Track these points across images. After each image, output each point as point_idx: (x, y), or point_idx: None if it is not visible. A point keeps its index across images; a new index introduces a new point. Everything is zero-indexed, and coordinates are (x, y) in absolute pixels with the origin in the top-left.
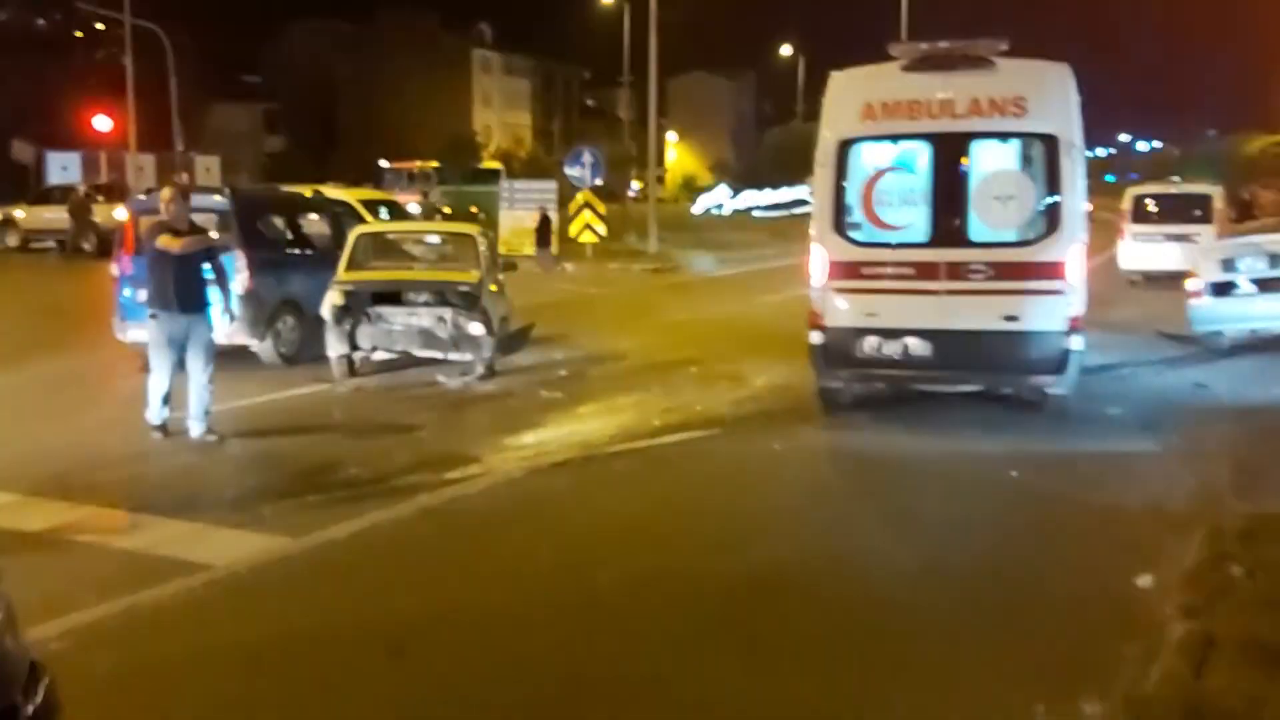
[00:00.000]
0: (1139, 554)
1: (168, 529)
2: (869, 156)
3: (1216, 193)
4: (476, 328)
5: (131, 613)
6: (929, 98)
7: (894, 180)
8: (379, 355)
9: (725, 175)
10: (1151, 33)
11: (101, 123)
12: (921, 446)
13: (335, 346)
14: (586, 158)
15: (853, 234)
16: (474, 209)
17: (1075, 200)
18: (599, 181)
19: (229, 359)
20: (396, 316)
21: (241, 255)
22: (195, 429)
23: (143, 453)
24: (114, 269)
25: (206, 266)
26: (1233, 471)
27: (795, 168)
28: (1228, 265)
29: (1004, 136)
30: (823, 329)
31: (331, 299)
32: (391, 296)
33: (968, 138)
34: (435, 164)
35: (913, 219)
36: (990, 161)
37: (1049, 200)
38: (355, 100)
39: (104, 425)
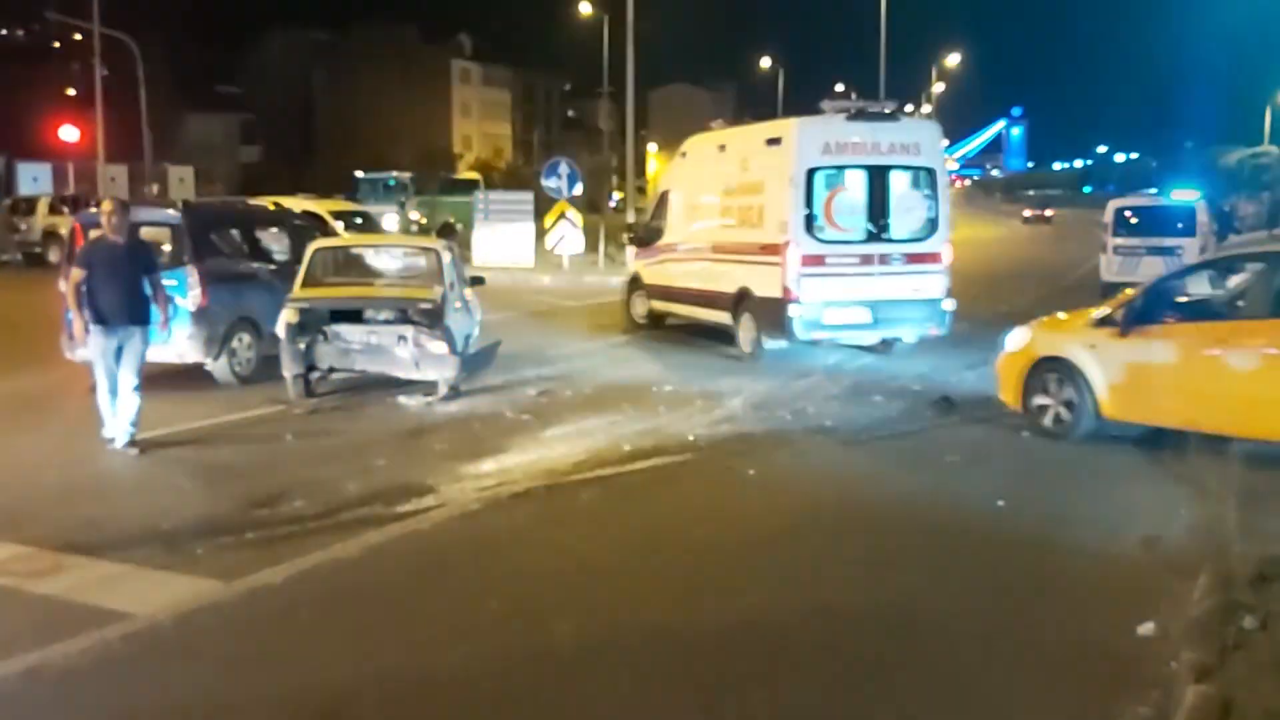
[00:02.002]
0: (1139, 598)
1: (92, 571)
2: (827, 179)
3: (1199, 205)
4: (439, 346)
5: (35, 674)
6: (863, 140)
7: (843, 196)
8: (338, 375)
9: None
10: (1132, 44)
11: (68, 133)
12: (904, 474)
13: (290, 366)
14: (563, 169)
15: (818, 234)
16: (451, 219)
17: (944, 211)
18: (576, 193)
19: (181, 378)
20: (355, 335)
21: (194, 271)
22: (121, 438)
23: (76, 483)
24: (61, 285)
25: (147, 282)
26: (1237, 505)
27: None
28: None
29: (907, 168)
30: (797, 302)
31: (286, 317)
32: (351, 314)
33: (888, 169)
34: (409, 174)
35: (855, 224)
36: (900, 185)
37: (931, 211)
38: (333, 111)
39: (40, 452)
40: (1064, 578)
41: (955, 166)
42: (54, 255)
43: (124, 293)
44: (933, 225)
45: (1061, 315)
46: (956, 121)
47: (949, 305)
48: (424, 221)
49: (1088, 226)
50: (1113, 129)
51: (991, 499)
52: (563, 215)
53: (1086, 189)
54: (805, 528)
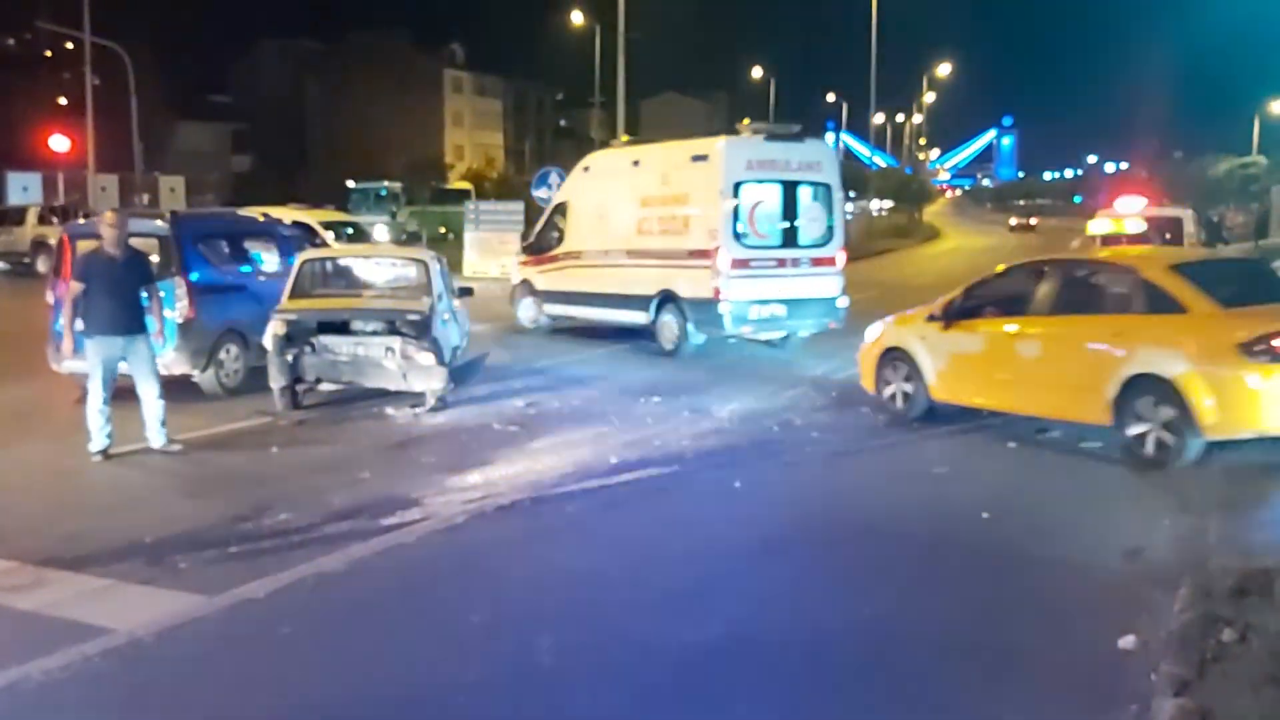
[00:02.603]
0: (1120, 611)
1: (73, 585)
2: (750, 192)
3: (1187, 215)
4: (426, 358)
5: (13, 690)
6: (777, 158)
7: (763, 208)
8: (325, 386)
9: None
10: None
11: (58, 142)
12: (890, 486)
13: (277, 378)
14: (554, 178)
15: (743, 241)
16: (443, 229)
17: (840, 220)
18: None
19: (168, 390)
20: (342, 347)
21: (182, 282)
22: (157, 441)
23: (59, 496)
24: (49, 296)
25: (144, 293)
26: (1218, 518)
27: None
28: None
29: (811, 183)
30: (727, 300)
31: (273, 328)
32: (338, 325)
33: (797, 184)
34: (400, 184)
35: (772, 231)
36: (805, 198)
37: (829, 221)
38: (325, 120)
39: (23, 465)
40: (1047, 590)
41: (947, 176)
42: (43, 265)
43: (122, 305)
44: (831, 233)
45: (909, 312)
46: (947, 131)
47: (843, 303)
48: (414, 230)
49: (1078, 236)
50: (1103, 139)
51: (977, 511)
52: None
53: (1077, 199)
54: (791, 540)
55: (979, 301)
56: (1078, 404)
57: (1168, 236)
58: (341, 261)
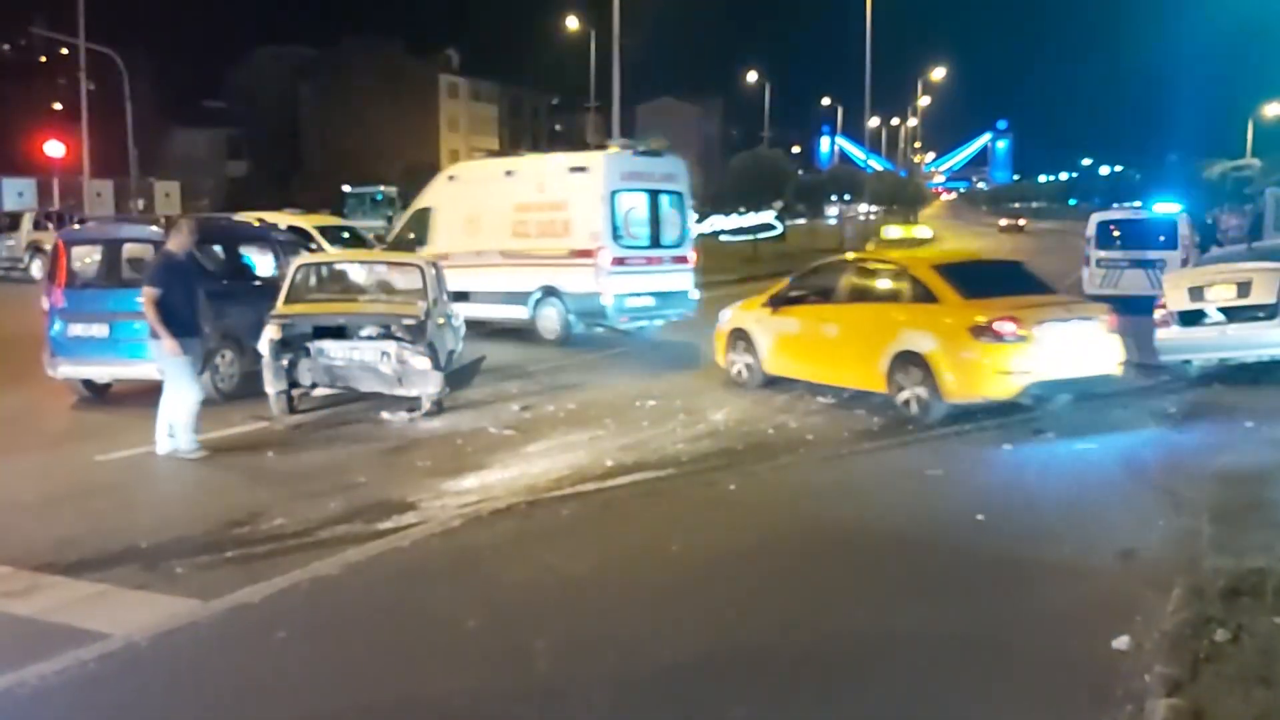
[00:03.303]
0: (1114, 611)
1: (69, 590)
2: (624, 200)
3: (1182, 218)
4: (422, 362)
5: (9, 695)
6: (644, 170)
7: (634, 213)
8: (320, 391)
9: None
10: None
11: (53, 148)
12: (884, 488)
13: (273, 383)
14: None
15: (620, 242)
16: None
17: (689, 225)
18: None
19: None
20: (338, 351)
21: None
22: (165, 445)
23: (55, 501)
24: (44, 301)
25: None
26: (1210, 519)
27: (761, 193)
28: (1195, 294)
29: (670, 193)
30: (609, 294)
31: (269, 333)
32: (333, 330)
33: (659, 192)
34: (395, 188)
35: (642, 234)
36: (666, 205)
37: (683, 225)
38: (320, 125)
39: (19, 470)
40: (1041, 592)
41: (943, 179)
42: (38, 271)
43: (194, 307)
44: (684, 235)
45: (752, 299)
46: (943, 134)
47: (695, 295)
48: (412, 236)
49: (1072, 239)
50: (1097, 142)
51: (971, 513)
52: None
53: (1071, 201)
54: (785, 543)
55: (799, 291)
56: (863, 375)
57: (1161, 239)
58: (337, 266)
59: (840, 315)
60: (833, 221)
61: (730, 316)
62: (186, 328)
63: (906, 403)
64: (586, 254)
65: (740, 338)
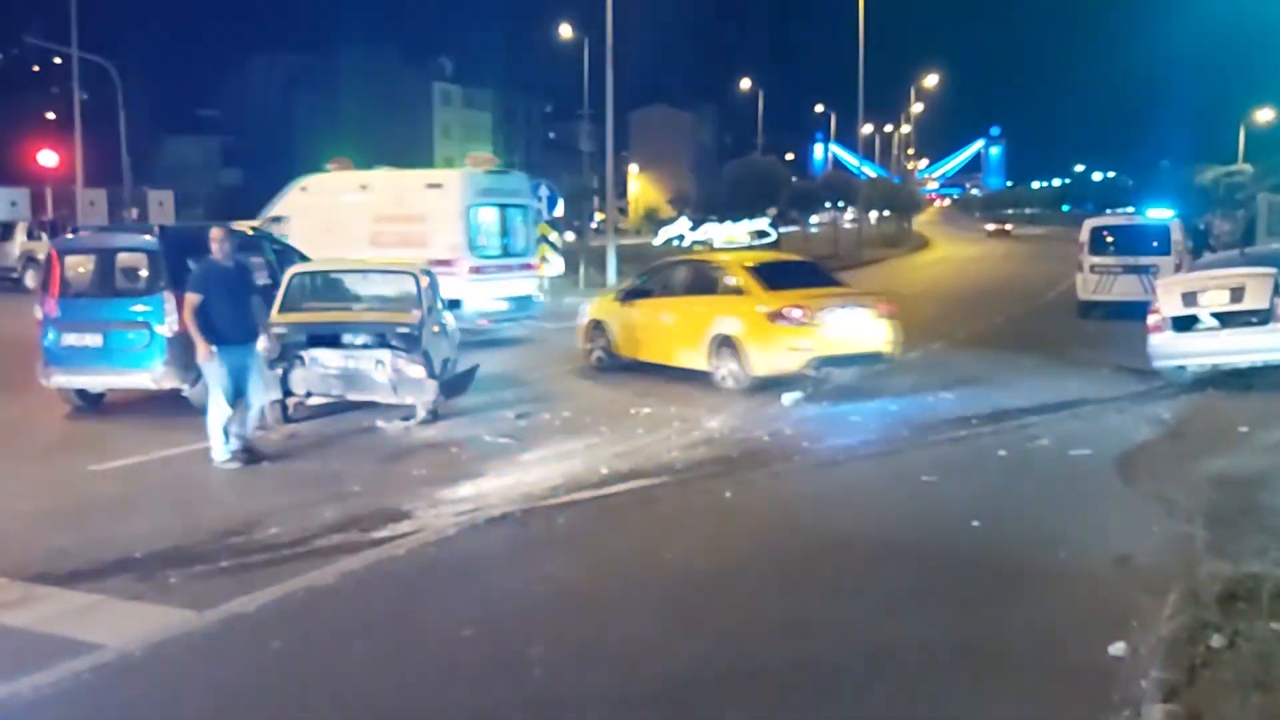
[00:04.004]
0: (1110, 617)
1: (63, 601)
2: (478, 214)
3: (1174, 223)
4: (417, 370)
5: (3, 707)
6: (494, 187)
7: (487, 225)
8: (315, 400)
9: (686, 207)
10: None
11: (47, 158)
12: (880, 494)
13: (269, 391)
14: (543, 191)
15: (475, 252)
16: None
17: (533, 235)
18: (557, 214)
19: (158, 404)
20: (333, 360)
21: (170, 296)
22: (239, 443)
23: (49, 511)
24: (37, 311)
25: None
26: (1205, 524)
27: (755, 200)
28: (1189, 299)
29: (516, 207)
30: (469, 299)
31: (263, 342)
32: (328, 338)
33: (507, 206)
34: None
35: (494, 244)
36: (513, 218)
37: (528, 236)
38: (314, 133)
39: (13, 480)
40: (1037, 598)
41: (936, 185)
42: (31, 280)
43: (241, 313)
44: (529, 245)
45: (608, 292)
46: (936, 141)
47: (540, 298)
48: None
49: (1066, 244)
50: (1090, 148)
51: (967, 519)
52: (543, 237)
53: (1065, 207)
54: (781, 550)
55: (645, 285)
56: (691, 356)
57: (1154, 244)
58: (331, 274)
59: (674, 306)
60: (814, 229)
61: (588, 309)
62: (226, 335)
63: (724, 378)
64: (446, 263)
65: (597, 327)
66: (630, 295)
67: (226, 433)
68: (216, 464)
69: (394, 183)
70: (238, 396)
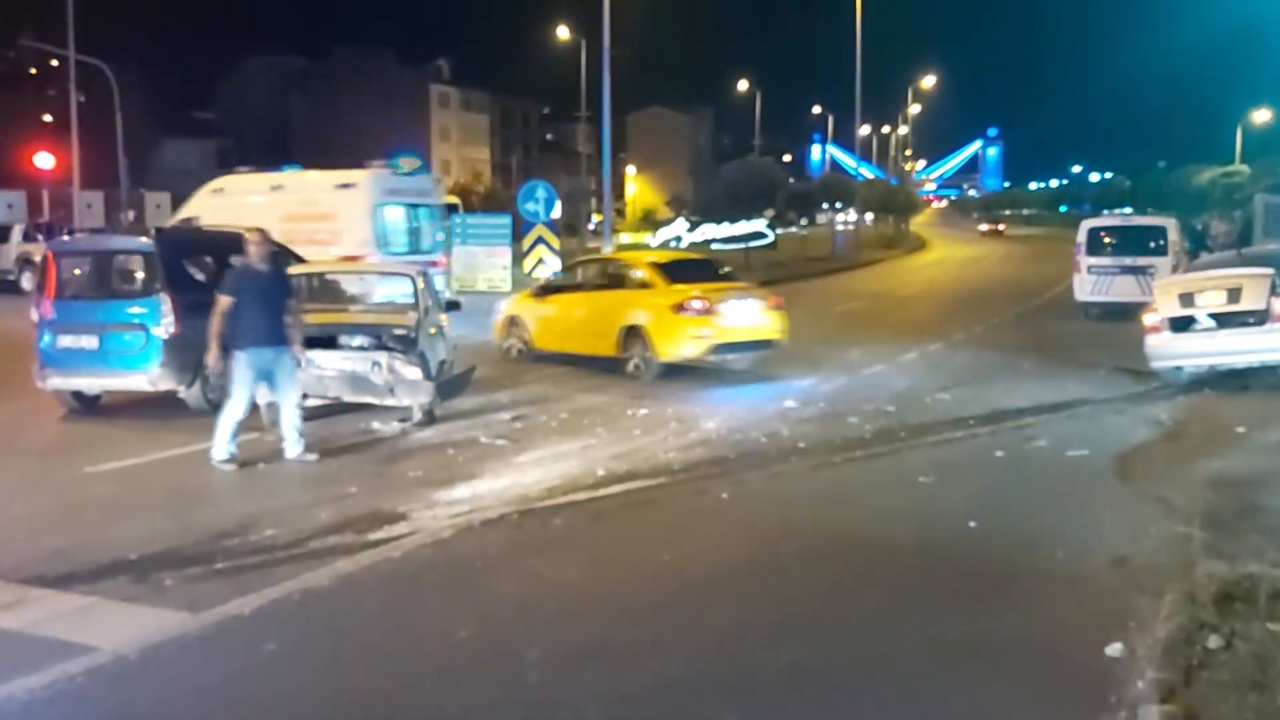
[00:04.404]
0: (1107, 618)
1: (57, 603)
2: (386, 213)
3: (1171, 224)
4: (413, 372)
5: None
6: (403, 187)
7: (395, 223)
8: (311, 402)
9: (683, 208)
10: (1106, 66)
11: (43, 160)
12: (876, 495)
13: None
14: (540, 193)
15: (384, 249)
16: None
17: (436, 233)
18: (555, 216)
19: (154, 407)
20: (329, 361)
21: (167, 299)
22: (294, 450)
23: (44, 513)
24: (33, 313)
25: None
26: (1202, 525)
27: (752, 201)
28: (1186, 300)
29: (425, 206)
30: None
31: None
32: (324, 340)
33: (416, 206)
34: None
35: (402, 241)
36: (422, 217)
37: (437, 235)
38: (311, 135)
39: (7, 482)
40: (1034, 598)
41: (933, 186)
42: (27, 283)
43: (273, 318)
44: (437, 243)
45: (525, 290)
46: (934, 142)
47: (449, 294)
48: None
49: (1063, 245)
50: (1088, 149)
51: (964, 520)
52: (540, 239)
53: (1062, 208)
54: (777, 551)
55: (559, 282)
56: (602, 346)
57: (1151, 245)
58: (327, 276)
59: (586, 300)
60: (802, 230)
61: (505, 306)
62: (255, 338)
63: (636, 366)
64: (355, 260)
65: (513, 322)
66: (544, 292)
67: (235, 434)
68: (214, 463)
69: (305, 183)
70: (268, 400)
